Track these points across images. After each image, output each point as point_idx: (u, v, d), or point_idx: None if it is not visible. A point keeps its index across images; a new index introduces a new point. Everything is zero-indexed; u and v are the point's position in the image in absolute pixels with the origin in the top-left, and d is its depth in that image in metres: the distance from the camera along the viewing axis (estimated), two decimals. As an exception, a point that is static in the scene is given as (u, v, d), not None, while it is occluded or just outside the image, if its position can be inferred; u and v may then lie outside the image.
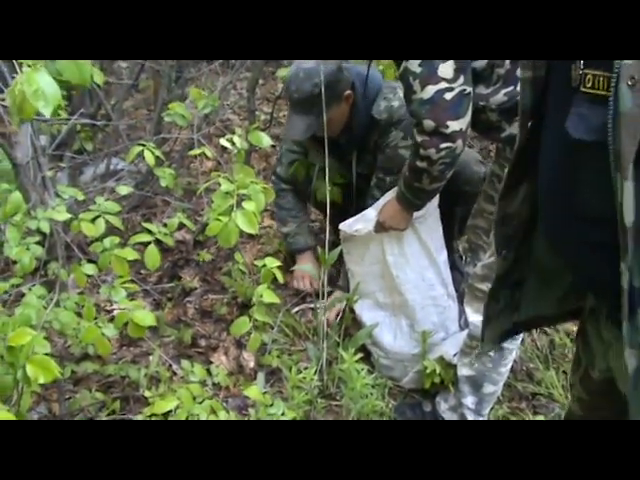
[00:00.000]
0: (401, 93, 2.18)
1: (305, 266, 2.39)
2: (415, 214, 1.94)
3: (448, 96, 1.52)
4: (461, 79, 1.52)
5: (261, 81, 3.89)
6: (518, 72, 1.55)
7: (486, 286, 1.69)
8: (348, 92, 2.13)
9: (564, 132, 0.85)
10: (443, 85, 1.51)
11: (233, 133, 1.99)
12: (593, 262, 0.87)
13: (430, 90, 1.52)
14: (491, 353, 1.75)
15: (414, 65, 1.53)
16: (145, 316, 1.51)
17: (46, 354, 1.29)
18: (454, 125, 1.54)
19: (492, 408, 1.92)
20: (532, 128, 0.98)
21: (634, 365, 0.85)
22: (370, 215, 2.02)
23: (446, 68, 1.51)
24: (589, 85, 0.81)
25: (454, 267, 2.41)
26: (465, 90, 1.53)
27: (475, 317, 1.74)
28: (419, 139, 1.61)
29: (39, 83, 1.03)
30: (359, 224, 2.03)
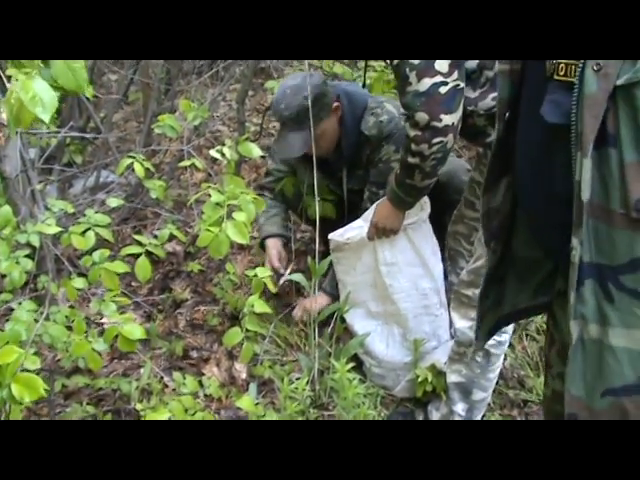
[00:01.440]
0: (388, 107, 2.20)
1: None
2: (407, 219, 1.95)
3: (443, 90, 1.53)
4: (455, 74, 1.54)
5: (250, 92, 3.90)
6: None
7: (472, 292, 1.70)
8: (336, 103, 2.15)
9: (539, 118, 0.91)
10: (439, 79, 1.53)
11: (223, 144, 2.00)
12: (563, 240, 0.90)
13: (426, 83, 1.53)
14: (478, 359, 1.76)
15: None
16: (134, 329, 1.50)
17: (36, 370, 1.28)
18: (447, 119, 1.56)
19: (484, 416, 1.92)
20: (509, 119, 1.03)
21: (576, 335, 0.90)
22: (359, 224, 2.03)
23: (442, 62, 1.52)
24: (562, 73, 0.88)
25: (445, 276, 2.42)
26: (459, 85, 1.55)
27: (461, 323, 1.74)
28: (411, 134, 1.62)
29: (35, 90, 1.03)
30: (350, 232, 2.04)
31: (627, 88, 0.80)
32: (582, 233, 0.86)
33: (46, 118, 1.02)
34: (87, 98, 2.37)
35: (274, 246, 2.39)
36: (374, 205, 2.01)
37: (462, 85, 1.56)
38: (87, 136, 2.78)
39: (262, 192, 2.47)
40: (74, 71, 1.06)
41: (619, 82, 0.80)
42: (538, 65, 0.92)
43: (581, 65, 0.83)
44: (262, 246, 2.46)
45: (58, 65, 1.05)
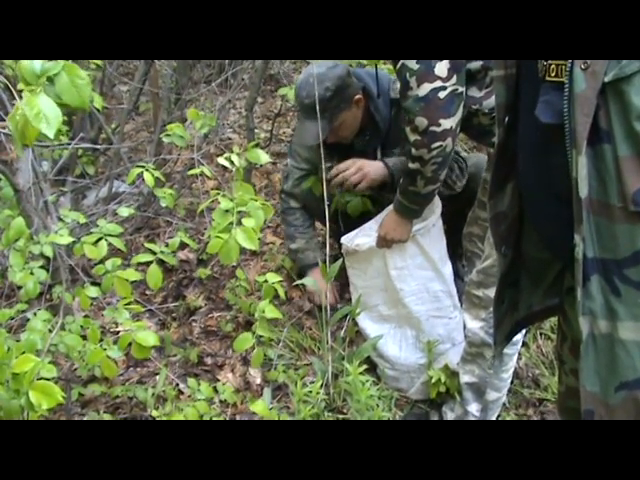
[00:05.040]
0: None
1: (312, 280, 2.32)
2: (416, 226, 1.95)
3: (442, 94, 1.55)
4: (454, 78, 1.55)
5: (260, 99, 3.93)
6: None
7: (482, 292, 1.71)
8: (358, 96, 2.13)
9: (535, 119, 0.92)
10: (438, 84, 1.54)
11: (233, 152, 2.01)
12: (568, 238, 0.91)
13: (426, 88, 1.55)
14: (490, 359, 1.76)
15: (411, 62, 1.56)
16: (148, 336, 1.52)
17: (53, 378, 1.30)
18: (446, 123, 1.57)
19: (499, 415, 1.91)
20: (509, 123, 1.04)
21: (586, 331, 0.91)
22: (371, 229, 2.03)
23: (442, 67, 1.54)
24: (553, 74, 0.90)
25: (457, 276, 2.42)
26: (457, 89, 1.56)
27: (473, 324, 1.74)
28: (411, 139, 1.63)
29: (40, 106, 1.05)
30: (360, 238, 2.04)
31: (615, 84, 0.81)
32: (583, 229, 0.87)
33: (50, 134, 1.03)
34: (98, 109, 2.40)
35: (320, 279, 2.32)
36: (386, 210, 2.01)
37: (461, 89, 1.57)
38: (99, 147, 2.82)
39: (287, 201, 2.47)
40: (78, 88, 1.08)
41: (607, 79, 0.81)
42: (531, 68, 0.94)
43: (569, 65, 0.84)
44: (302, 272, 2.46)
45: (62, 82, 1.07)
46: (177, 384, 2.09)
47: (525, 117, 1.00)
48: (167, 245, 1.91)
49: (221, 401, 2.03)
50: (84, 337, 1.68)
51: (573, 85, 0.84)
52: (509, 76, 1.00)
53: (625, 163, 0.83)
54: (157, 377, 2.13)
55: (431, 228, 2.02)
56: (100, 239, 1.71)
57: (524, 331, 1.81)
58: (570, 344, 1.18)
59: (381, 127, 2.21)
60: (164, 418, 1.81)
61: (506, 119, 1.04)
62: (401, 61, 1.58)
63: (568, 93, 0.85)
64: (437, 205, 1.99)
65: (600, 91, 0.82)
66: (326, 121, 2.06)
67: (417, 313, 2.05)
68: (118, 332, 2.22)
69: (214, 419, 1.82)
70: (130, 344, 1.55)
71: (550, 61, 0.89)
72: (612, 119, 0.82)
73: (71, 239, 1.69)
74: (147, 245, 1.86)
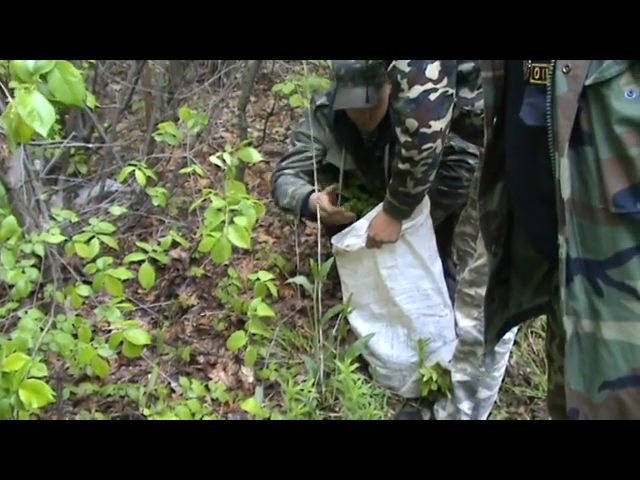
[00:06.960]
0: None
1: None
2: (405, 225, 1.96)
3: (432, 97, 1.56)
4: (445, 81, 1.56)
5: (253, 99, 3.93)
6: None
7: (474, 291, 1.72)
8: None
9: (520, 121, 0.93)
10: (429, 86, 1.56)
11: (225, 151, 2.01)
12: (554, 238, 0.92)
13: (417, 90, 1.56)
14: (481, 357, 1.77)
15: (403, 64, 1.57)
16: (139, 335, 1.52)
17: (43, 377, 1.30)
18: (436, 125, 1.59)
19: (490, 413, 1.92)
20: (497, 124, 1.05)
21: (570, 331, 0.92)
22: (361, 228, 2.03)
23: (433, 69, 1.55)
24: (537, 77, 0.90)
25: (448, 274, 2.43)
26: (448, 92, 1.57)
27: (465, 322, 1.75)
28: (402, 140, 1.64)
29: (33, 104, 1.05)
30: (350, 239, 2.04)
31: (595, 88, 0.82)
32: (567, 230, 0.88)
33: (44, 132, 1.03)
34: (90, 108, 2.40)
35: (320, 195, 2.18)
36: (375, 209, 2.01)
37: (451, 91, 1.58)
38: (91, 146, 2.81)
39: (281, 170, 2.32)
40: (71, 85, 1.08)
41: (587, 82, 0.82)
42: (517, 71, 0.94)
43: (552, 68, 0.85)
44: (302, 214, 2.26)
45: (55, 79, 1.07)
46: (169, 383, 2.10)
47: (512, 119, 1.00)
48: (159, 244, 1.90)
49: (213, 399, 2.03)
50: (75, 336, 1.68)
51: (555, 88, 0.85)
52: (497, 78, 1.01)
53: (606, 165, 0.84)
54: (149, 376, 2.12)
55: (419, 227, 2.03)
56: (92, 238, 1.71)
57: (515, 329, 1.82)
58: (559, 342, 1.19)
59: (392, 122, 2.16)
60: (156, 417, 1.81)
61: (494, 120, 1.04)
62: (393, 63, 1.58)
63: (550, 96, 0.86)
64: (425, 204, 2.00)
65: (581, 94, 0.83)
66: (375, 87, 1.98)
67: (408, 311, 2.06)
68: (110, 331, 2.21)
69: (206, 418, 1.82)
70: (122, 343, 1.55)
71: (534, 64, 0.90)
72: (593, 122, 0.83)
73: (63, 238, 1.69)
74: (139, 244, 1.86)
